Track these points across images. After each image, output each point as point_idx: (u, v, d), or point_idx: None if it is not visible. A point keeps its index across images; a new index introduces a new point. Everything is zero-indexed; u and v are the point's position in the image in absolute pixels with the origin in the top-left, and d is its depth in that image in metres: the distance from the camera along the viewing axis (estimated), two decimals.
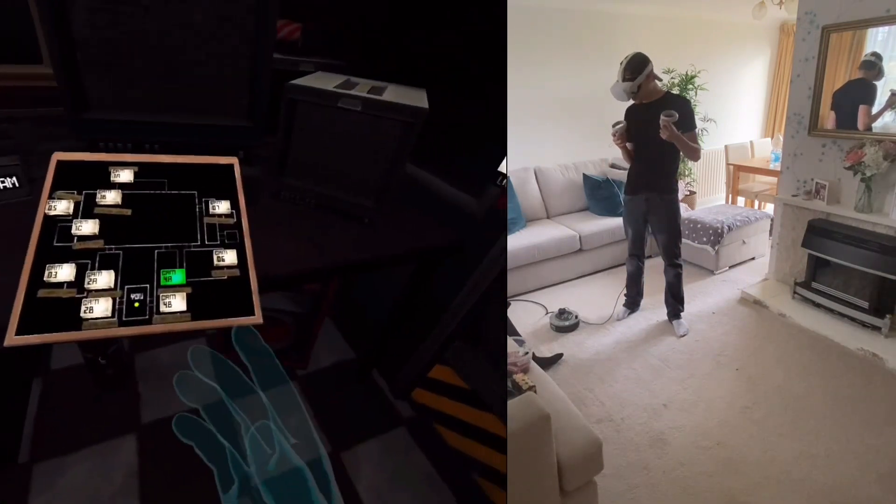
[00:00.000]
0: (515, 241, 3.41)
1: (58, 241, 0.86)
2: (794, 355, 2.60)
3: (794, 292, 3.06)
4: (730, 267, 3.71)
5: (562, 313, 3.02)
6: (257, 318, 0.87)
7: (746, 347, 2.74)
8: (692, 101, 4.12)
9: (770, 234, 3.73)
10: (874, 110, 2.77)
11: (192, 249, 0.92)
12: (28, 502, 1.32)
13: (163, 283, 0.86)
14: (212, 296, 0.87)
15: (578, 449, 1.48)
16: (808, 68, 3.02)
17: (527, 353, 1.87)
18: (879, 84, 2.75)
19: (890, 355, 2.44)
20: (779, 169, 3.44)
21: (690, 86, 4.32)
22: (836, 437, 1.99)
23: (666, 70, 4.20)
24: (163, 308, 0.83)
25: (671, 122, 2.39)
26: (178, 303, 0.84)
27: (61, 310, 0.79)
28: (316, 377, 2.17)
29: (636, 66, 2.49)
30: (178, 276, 0.88)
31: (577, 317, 3.01)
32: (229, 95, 1.33)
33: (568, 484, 1.46)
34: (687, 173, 4.55)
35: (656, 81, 2.61)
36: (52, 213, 0.89)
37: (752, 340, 2.81)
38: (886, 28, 2.67)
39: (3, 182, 1.10)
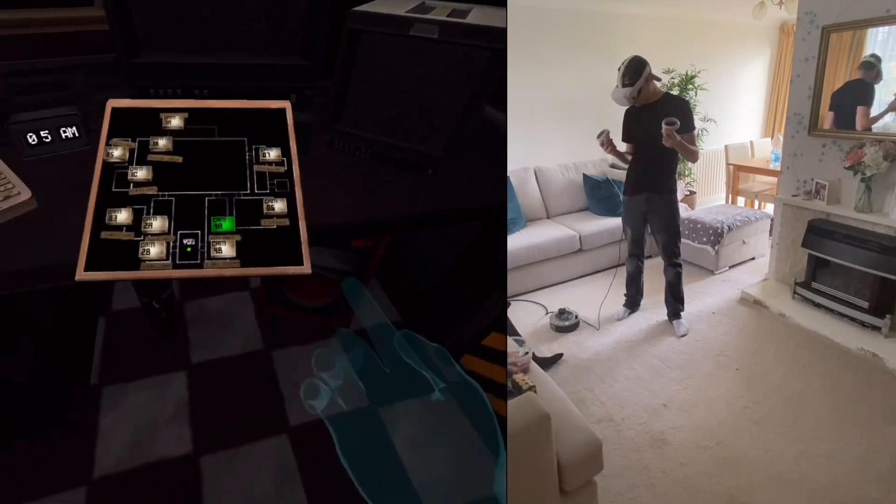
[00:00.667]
0: (515, 241, 3.41)
1: (116, 186, 0.90)
2: (794, 355, 2.60)
3: (794, 292, 3.06)
4: (730, 267, 3.71)
5: (562, 313, 3.02)
6: (306, 268, 0.86)
7: (746, 347, 2.74)
8: (692, 101, 4.13)
9: (770, 234, 3.73)
10: (873, 112, 2.77)
11: (242, 198, 0.92)
12: (100, 416, 1.52)
13: (213, 229, 0.87)
14: (261, 244, 0.87)
15: (578, 449, 1.48)
16: (808, 68, 3.02)
17: (527, 353, 1.87)
18: (878, 86, 2.74)
19: (890, 355, 2.44)
20: (779, 169, 3.44)
21: (690, 86, 4.32)
22: (836, 437, 2.00)
23: (666, 70, 4.20)
24: (213, 254, 0.85)
25: (674, 130, 2.38)
26: (227, 249, 0.86)
27: (122, 250, 0.83)
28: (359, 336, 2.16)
29: (635, 70, 2.48)
30: (227, 223, 0.89)
31: (577, 317, 3.01)
32: (283, 29, 1.19)
33: (568, 484, 1.46)
34: (687, 173, 4.56)
35: (655, 82, 2.61)
36: (110, 160, 0.93)
37: (752, 340, 2.81)
38: (886, 28, 2.66)
39: (64, 132, 1.12)
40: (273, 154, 0.98)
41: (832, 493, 1.74)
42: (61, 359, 1.72)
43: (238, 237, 0.87)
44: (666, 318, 2.97)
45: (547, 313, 3.18)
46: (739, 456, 1.93)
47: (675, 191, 2.70)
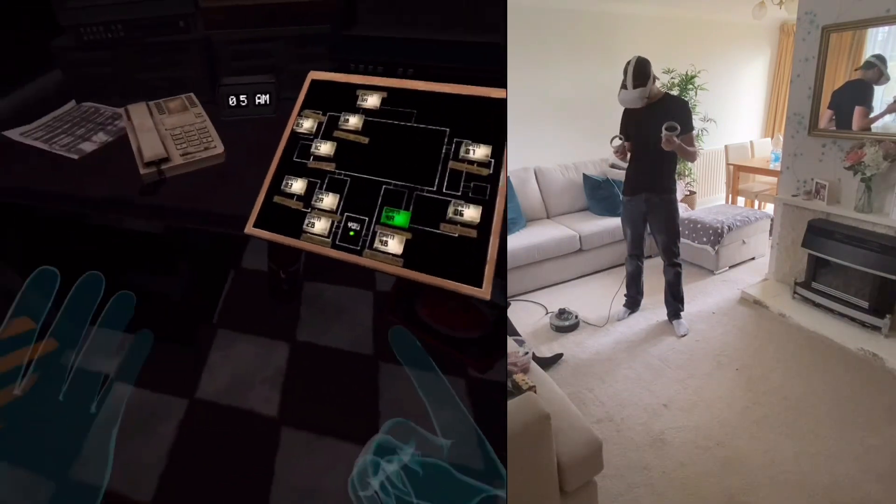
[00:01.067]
0: (515, 241, 3.41)
1: (297, 156, 0.92)
2: (794, 355, 2.60)
3: (794, 292, 3.06)
4: (730, 267, 3.71)
5: (562, 313, 3.02)
6: (484, 292, 0.74)
7: (746, 347, 2.74)
8: (692, 101, 4.13)
9: (770, 234, 3.73)
10: (872, 113, 2.77)
11: (425, 194, 0.82)
12: (210, 353, 1.63)
13: (383, 220, 0.82)
14: (433, 249, 0.78)
15: (578, 449, 1.48)
16: (808, 68, 3.02)
17: (527, 353, 1.87)
18: (881, 88, 2.74)
19: (890, 355, 2.44)
20: (779, 169, 3.44)
21: (690, 86, 4.32)
22: (836, 437, 2.00)
23: (666, 70, 4.20)
24: (377, 244, 0.80)
25: (674, 136, 2.39)
26: (394, 245, 0.79)
27: (289, 217, 0.87)
28: (488, 386, 2.04)
29: (642, 72, 2.49)
30: (401, 217, 0.81)
31: (577, 317, 3.01)
32: None
33: (568, 484, 1.46)
34: (687, 173, 4.55)
35: (656, 82, 2.61)
36: (299, 129, 0.95)
37: (752, 340, 2.81)
38: (886, 28, 2.67)
39: (258, 98, 1.20)
40: (479, 152, 0.83)
41: (832, 493, 1.74)
42: (200, 293, 1.86)
43: (409, 235, 0.79)
44: (666, 318, 2.97)
45: (547, 313, 3.18)
46: (739, 456, 1.93)
47: (674, 191, 2.70)
